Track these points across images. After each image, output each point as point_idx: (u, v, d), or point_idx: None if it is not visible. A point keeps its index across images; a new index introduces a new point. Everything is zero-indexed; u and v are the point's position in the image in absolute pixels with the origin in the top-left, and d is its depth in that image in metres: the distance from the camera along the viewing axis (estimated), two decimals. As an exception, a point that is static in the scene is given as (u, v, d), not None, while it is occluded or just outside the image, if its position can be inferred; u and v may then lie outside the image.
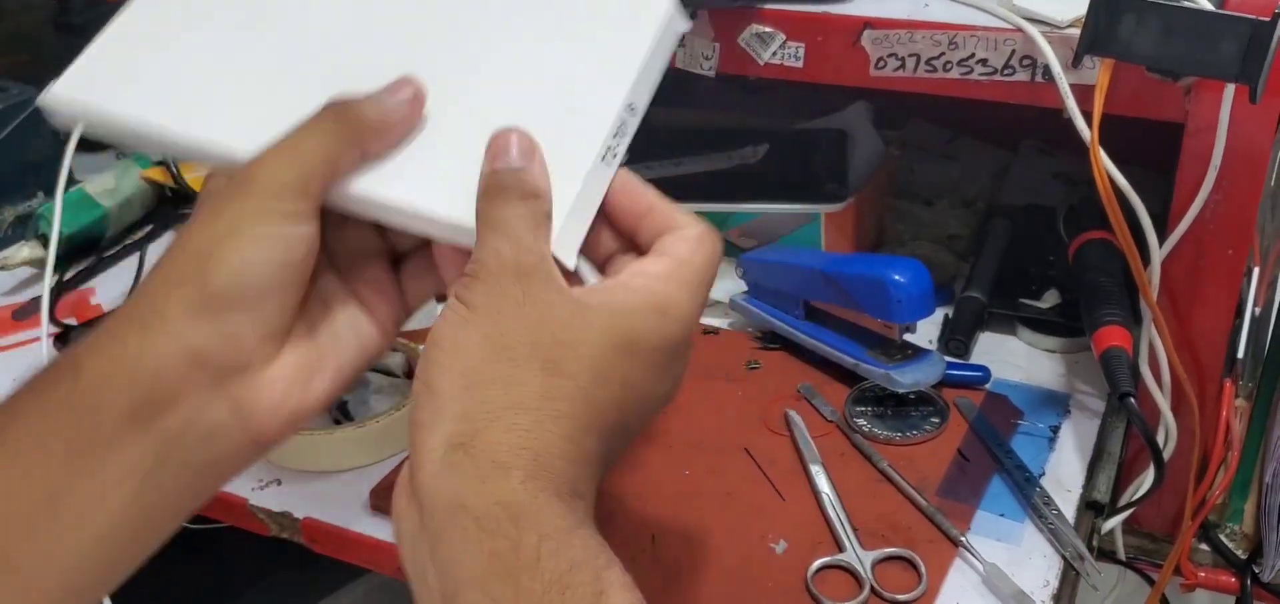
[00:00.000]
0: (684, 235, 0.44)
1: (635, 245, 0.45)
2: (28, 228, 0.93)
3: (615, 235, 0.46)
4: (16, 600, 0.41)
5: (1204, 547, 0.72)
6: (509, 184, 0.42)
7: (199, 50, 0.47)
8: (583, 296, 0.42)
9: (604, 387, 0.40)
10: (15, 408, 0.42)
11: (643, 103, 0.46)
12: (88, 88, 0.46)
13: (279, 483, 0.70)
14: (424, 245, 0.47)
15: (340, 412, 0.74)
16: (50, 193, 0.93)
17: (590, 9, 0.47)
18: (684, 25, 0.48)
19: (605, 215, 0.45)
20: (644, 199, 0.45)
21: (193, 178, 0.94)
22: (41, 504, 0.41)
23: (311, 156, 0.42)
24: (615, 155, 0.44)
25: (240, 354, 0.42)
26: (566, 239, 0.43)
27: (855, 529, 0.63)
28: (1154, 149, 0.63)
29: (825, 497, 0.65)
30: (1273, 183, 0.68)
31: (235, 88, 0.46)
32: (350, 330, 0.47)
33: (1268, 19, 0.51)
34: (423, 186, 0.44)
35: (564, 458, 0.39)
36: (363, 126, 0.43)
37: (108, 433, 0.41)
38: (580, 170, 0.43)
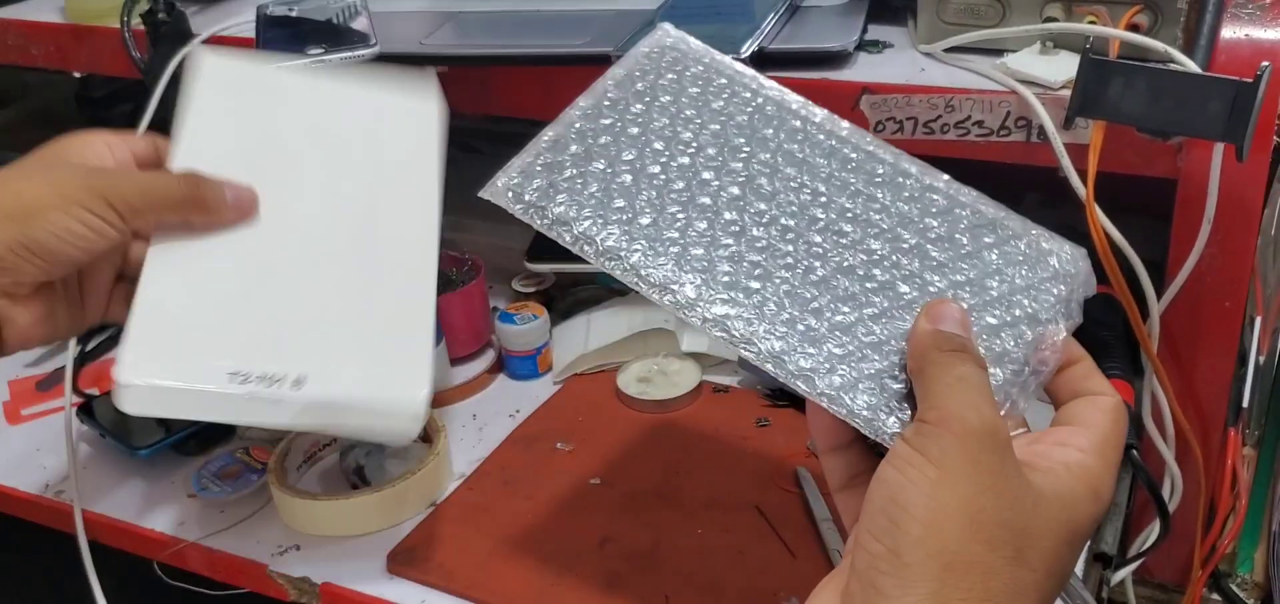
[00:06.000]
0: (1102, 406, 0.42)
1: (1049, 391, 0.44)
2: (51, 300, 0.95)
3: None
4: None
5: (1215, 596, 0.72)
6: (963, 348, 0.40)
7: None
8: (1038, 483, 0.39)
9: (1051, 580, 0.38)
10: None
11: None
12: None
13: (298, 548, 0.71)
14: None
15: (357, 476, 0.75)
16: (73, 266, 0.95)
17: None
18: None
19: None
20: (1069, 350, 0.44)
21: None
22: None
23: (153, 199, 0.57)
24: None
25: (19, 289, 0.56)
26: None
27: (865, 585, 0.63)
28: (1154, 197, 0.64)
29: (836, 553, 0.66)
30: (1273, 231, 0.69)
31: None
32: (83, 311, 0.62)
33: (1250, 80, 0.52)
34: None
35: None
36: (198, 205, 0.58)
37: None
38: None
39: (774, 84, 0.53)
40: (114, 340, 0.95)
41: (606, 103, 0.51)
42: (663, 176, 0.47)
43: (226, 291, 0.58)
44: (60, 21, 0.89)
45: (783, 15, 0.72)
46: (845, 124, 0.52)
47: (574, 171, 0.47)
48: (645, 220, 0.46)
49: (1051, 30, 0.64)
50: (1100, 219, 0.60)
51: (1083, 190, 0.60)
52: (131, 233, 0.57)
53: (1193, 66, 0.56)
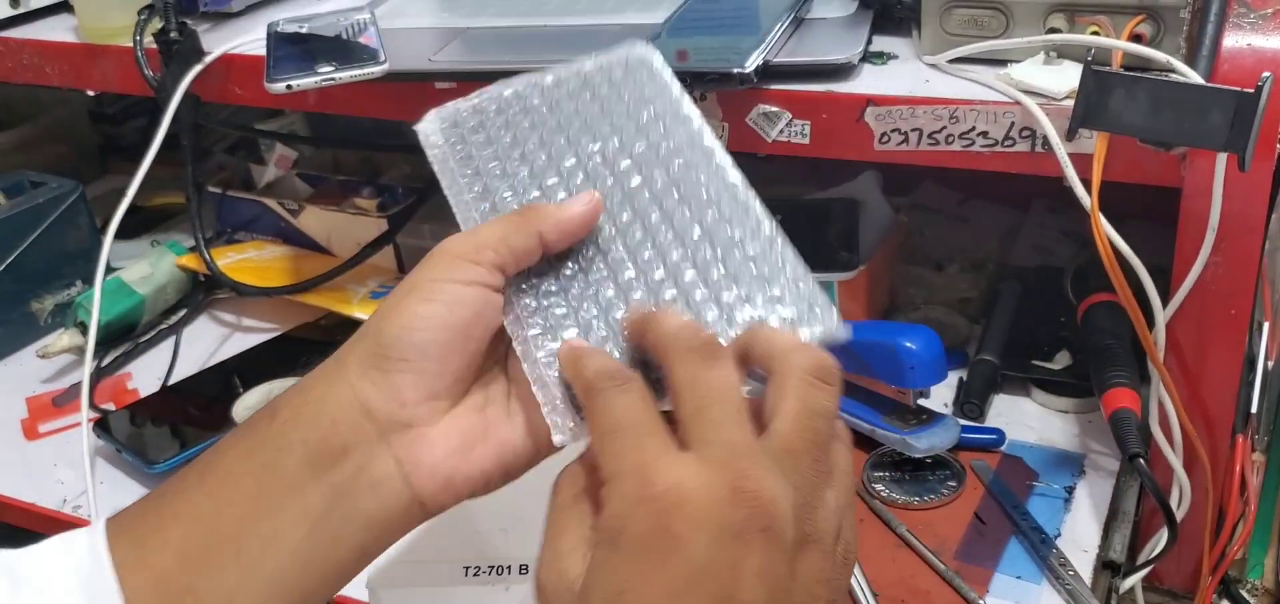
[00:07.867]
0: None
1: None
2: (67, 316, 0.96)
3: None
4: None
5: (1225, 602, 0.72)
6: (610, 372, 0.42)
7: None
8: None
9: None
10: (223, 445, 0.46)
11: None
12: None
13: (311, 561, 0.72)
14: None
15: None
16: (88, 282, 0.96)
17: None
18: None
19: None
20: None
21: (225, 264, 0.96)
22: (229, 538, 0.43)
23: (487, 233, 0.46)
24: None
25: (403, 409, 0.44)
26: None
27: (875, 595, 0.64)
28: (1160, 203, 0.64)
29: (844, 562, 0.66)
30: (1282, 238, 0.69)
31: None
32: (523, 421, 0.47)
33: (1251, 91, 0.52)
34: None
35: None
36: (540, 218, 0.47)
37: (289, 475, 0.44)
38: None
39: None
40: (131, 354, 0.96)
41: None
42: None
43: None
44: (74, 41, 0.90)
45: (788, 27, 0.72)
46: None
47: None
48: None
49: (1054, 41, 0.65)
50: (1105, 228, 0.61)
51: (1087, 200, 0.61)
52: (488, 280, 0.46)
53: (1195, 77, 0.56)
